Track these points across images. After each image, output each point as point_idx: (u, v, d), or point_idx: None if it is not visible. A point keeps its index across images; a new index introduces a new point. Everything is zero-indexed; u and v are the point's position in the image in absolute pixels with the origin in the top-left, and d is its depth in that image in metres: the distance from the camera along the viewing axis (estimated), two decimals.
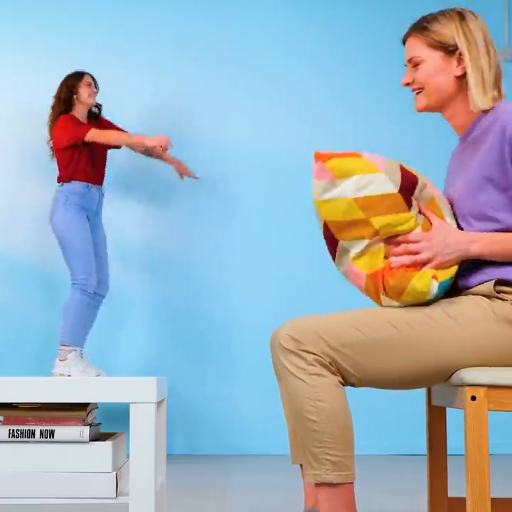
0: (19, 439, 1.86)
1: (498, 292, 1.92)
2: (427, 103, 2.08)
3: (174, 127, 5.29)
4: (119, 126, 4.89)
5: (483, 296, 1.94)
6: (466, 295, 1.98)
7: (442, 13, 2.07)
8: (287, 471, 4.08)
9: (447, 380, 1.95)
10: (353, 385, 1.94)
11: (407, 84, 2.10)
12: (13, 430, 1.86)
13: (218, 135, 5.25)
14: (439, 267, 1.93)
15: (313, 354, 1.86)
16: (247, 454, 5.05)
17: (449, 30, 2.03)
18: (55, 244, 4.71)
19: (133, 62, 5.34)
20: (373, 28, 5.45)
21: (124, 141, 4.58)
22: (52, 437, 1.85)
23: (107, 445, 1.86)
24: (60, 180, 4.64)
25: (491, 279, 1.94)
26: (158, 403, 2.08)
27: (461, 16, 2.04)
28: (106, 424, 4.97)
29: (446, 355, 1.89)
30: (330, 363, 1.87)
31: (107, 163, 4.80)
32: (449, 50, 2.03)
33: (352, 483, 1.88)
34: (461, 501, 2.24)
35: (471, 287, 1.98)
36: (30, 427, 1.86)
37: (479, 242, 1.93)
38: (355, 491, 2.90)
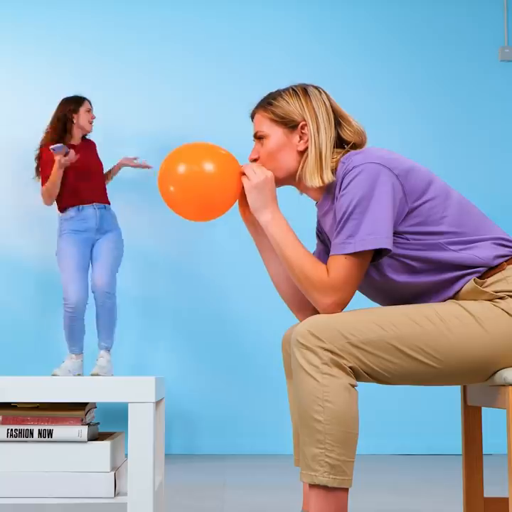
0: (17, 438, 1.86)
1: (483, 286, 1.94)
2: (275, 178, 2.10)
3: (175, 131, 5.29)
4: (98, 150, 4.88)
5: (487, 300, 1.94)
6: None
7: (287, 89, 2.11)
8: (286, 470, 4.08)
9: (487, 379, 1.95)
10: (385, 383, 1.92)
11: (255, 160, 2.12)
12: (12, 430, 1.86)
13: (226, 139, 5.23)
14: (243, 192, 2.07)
15: (331, 352, 1.84)
16: (246, 453, 5.05)
17: (292, 107, 2.07)
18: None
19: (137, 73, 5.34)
20: (373, 30, 5.45)
21: (51, 183, 4.59)
22: (51, 437, 1.85)
23: (105, 445, 1.86)
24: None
25: (460, 287, 1.96)
26: (157, 403, 2.08)
27: (304, 91, 2.08)
28: (104, 424, 4.95)
29: (476, 352, 1.89)
30: (349, 361, 1.85)
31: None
32: (290, 125, 2.07)
33: (347, 489, 1.86)
34: (498, 501, 2.22)
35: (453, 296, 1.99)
36: (29, 427, 1.86)
37: (274, 219, 2.03)
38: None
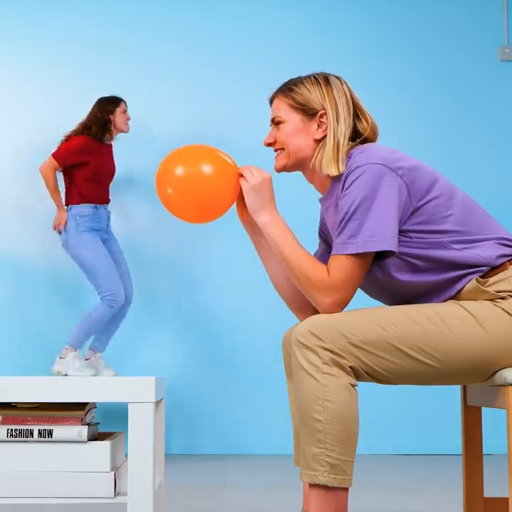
0: (18, 438, 1.86)
1: (485, 286, 1.94)
2: (286, 164, 2.10)
3: (182, 132, 5.30)
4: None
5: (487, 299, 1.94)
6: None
7: (308, 77, 2.11)
8: (286, 470, 4.08)
9: (487, 379, 1.95)
10: (385, 382, 1.92)
11: (270, 144, 2.12)
12: (12, 430, 1.86)
13: (226, 139, 5.23)
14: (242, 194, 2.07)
15: (331, 352, 1.84)
16: (246, 453, 5.04)
17: (313, 95, 2.07)
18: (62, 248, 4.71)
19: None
20: (373, 30, 5.45)
21: (49, 191, 4.68)
22: (51, 437, 1.85)
23: (105, 445, 1.86)
24: (66, 203, 4.71)
25: (461, 287, 1.96)
26: (157, 403, 2.08)
27: (326, 80, 2.10)
28: (104, 424, 4.96)
29: (476, 352, 1.89)
30: (349, 361, 1.85)
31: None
32: (309, 113, 2.07)
33: (347, 489, 1.86)
34: (498, 501, 2.22)
35: (455, 295, 1.99)
36: (29, 427, 1.86)
37: (272, 220, 2.02)
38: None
